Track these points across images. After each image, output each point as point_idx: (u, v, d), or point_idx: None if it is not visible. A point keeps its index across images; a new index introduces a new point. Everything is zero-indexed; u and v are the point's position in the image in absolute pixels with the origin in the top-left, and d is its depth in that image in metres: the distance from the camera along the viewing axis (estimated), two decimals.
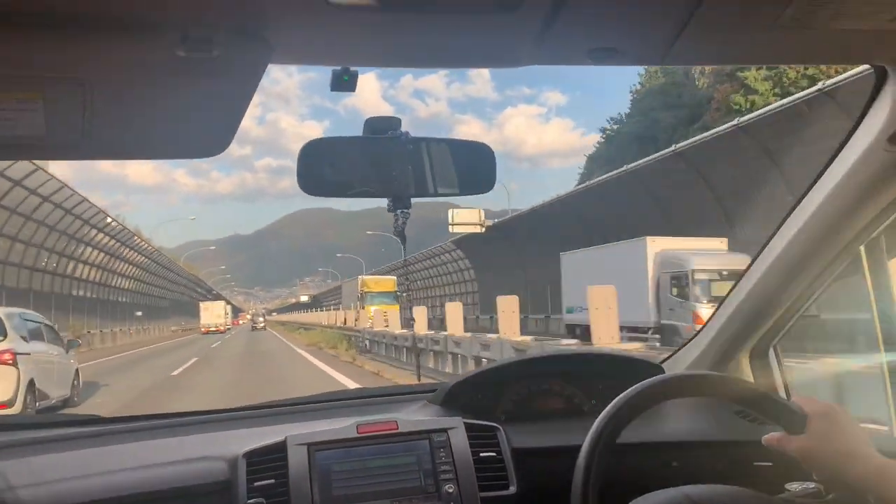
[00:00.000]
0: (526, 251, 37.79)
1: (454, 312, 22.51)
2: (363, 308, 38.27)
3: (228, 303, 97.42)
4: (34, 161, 25.32)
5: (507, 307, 16.89)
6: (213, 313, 71.10)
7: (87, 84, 1.01)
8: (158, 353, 32.43)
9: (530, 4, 0.93)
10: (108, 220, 41.32)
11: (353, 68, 1.14)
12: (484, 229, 30.18)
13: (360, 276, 50.55)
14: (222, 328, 69.69)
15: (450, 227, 28.03)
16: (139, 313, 58.25)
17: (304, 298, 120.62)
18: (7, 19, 0.87)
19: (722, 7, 0.96)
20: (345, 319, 40.51)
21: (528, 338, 15.68)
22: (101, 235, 41.93)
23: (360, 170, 1.44)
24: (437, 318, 33.51)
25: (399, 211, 1.44)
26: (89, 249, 41.77)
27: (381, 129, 1.40)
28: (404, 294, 38.02)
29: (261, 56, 1.00)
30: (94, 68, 0.99)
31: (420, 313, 25.94)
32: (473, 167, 1.49)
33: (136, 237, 51.50)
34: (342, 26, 0.96)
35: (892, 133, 1.35)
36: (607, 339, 13.63)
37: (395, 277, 46.62)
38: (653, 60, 1.13)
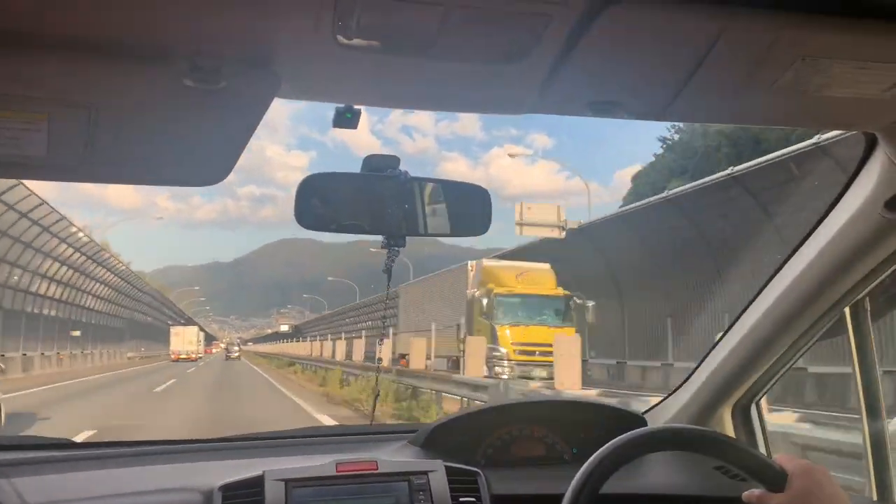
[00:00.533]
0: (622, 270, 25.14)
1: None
2: (476, 333, 20.73)
3: (202, 329, 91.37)
4: None
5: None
6: (184, 339, 66.79)
7: (94, 108, 1.02)
8: (94, 388, 24.01)
9: (536, 56, 0.95)
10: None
11: (356, 106, 1.16)
12: (564, 234, 22.06)
13: (473, 262, 25.27)
14: (194, 356, 65.07)
15: (517, 227, 21.46)
16: (76, 333, 42.92)
17: (283, 328, 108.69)
18: (19, 40, 0.88)
19: (721, 69, 0.99)
20: (342, 352, 35.34)
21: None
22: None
23: (357, 206, 1.45)
24: None
25: (391, 248, 1.44)
26: None
27: (380, 167, 1.41)
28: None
29: (268, 89, 1.01)
30: (101, 93, 0.99)
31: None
32: (469, 209, 1.50)
33: (79, 232, 37.09)
34: (349, 65, 0.97)
35: (888, 199, 1.38)
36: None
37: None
38: (652, 115, 1.15)
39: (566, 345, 14.97)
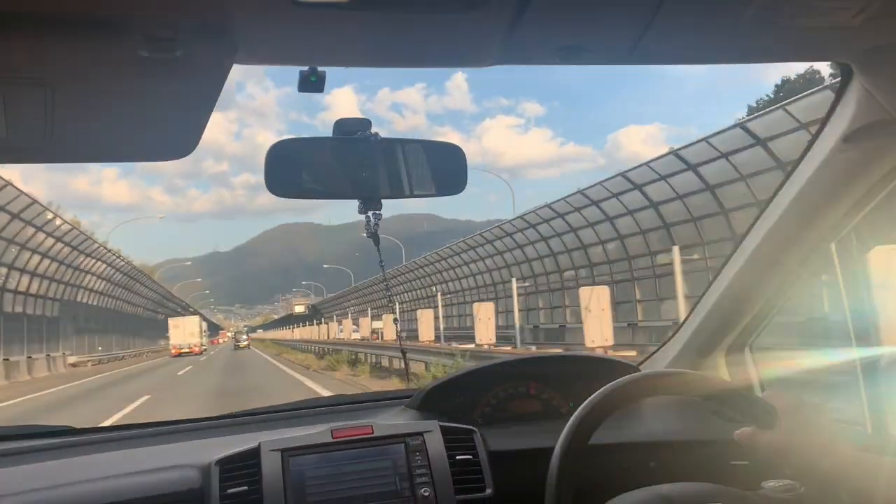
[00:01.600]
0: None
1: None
2: None
3: (204, 319, 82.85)
4: None
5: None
6: (185, 331, 58.06)
7: (50, 85, 1.00)
8: None
9: (497, 3, 0.93)
10: None
11: (320, 69, 1.14)
12: None
13: None
14: (197, 349, 56.60)
15: None
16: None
17: (299, 309, 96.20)
18: None
19: (685, 4, 0.97)
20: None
21: None
22: None
23: (329, 171, 1.43)
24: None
25: (371, 213, 1.43)
26: None
27: (351, 130, 1.39)
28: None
29: (225, 56, 0.99)
30: (56, 69, 0.98)
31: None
32: (444, 168, 1.49)
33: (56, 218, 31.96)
34: (308, 25, 0.95)
35: (848, 133, 1.36)
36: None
37: None
38: (620, 59, 1.13)
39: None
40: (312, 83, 1.14)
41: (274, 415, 2.01)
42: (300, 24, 0.95)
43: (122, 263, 51.89)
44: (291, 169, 1.40)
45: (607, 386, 1.27)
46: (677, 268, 13.45)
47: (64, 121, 1.08)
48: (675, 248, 13.72)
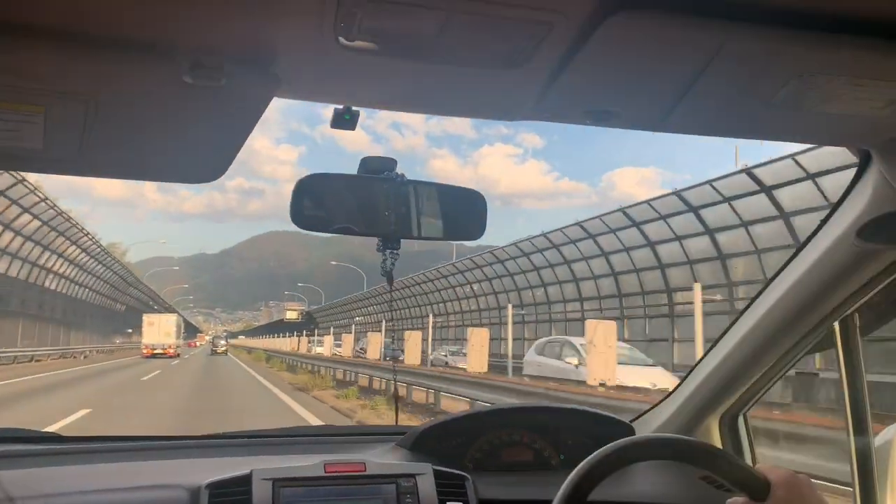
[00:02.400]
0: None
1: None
2: None
3: (182, 318, 74.66)
4: None
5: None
6: (160, 330, 52.38)
7: (91, 101, 1.01)
8: None
9: (536, 63, 0.95)
10: None
11: (354, 108, 1.15)
12: None
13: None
14: (171, 350, 51.50)
15: None
16: None
17: (291, 315, 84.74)
18: (19, 30, 0.87)
19: (718, 83, 0.99)
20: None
21: None
22: None
23: (353, 208, 1.45)
24: None
25: (388, 251, 1.44)
26: None
27: (377, 168, 1.40)
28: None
29: (268, 89, 1.00)
30: (99, 86, 0.98)
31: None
32: (465, 214, 1.50)
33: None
34: (349, 66, 0.97)
35: (860, 226, 1.38)
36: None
37: None
38: (648, 126, 1.15)
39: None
40: (346, 121, 1.16)
41: (264, 440, 1.99)
42: (342, 64, 0.96)
43: (90, 243, 45.64)
44: (317, 203, 1.41)
45: (606, 447, 1.27)
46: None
47: (100, 137, 1.09)
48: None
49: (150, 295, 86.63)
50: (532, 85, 1.01)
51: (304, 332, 56.67)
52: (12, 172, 27.38)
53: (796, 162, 16.29)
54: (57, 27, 0.87)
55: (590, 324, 13.88)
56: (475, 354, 18.61)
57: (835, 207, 1.49)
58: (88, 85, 0.98)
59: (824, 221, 1.51)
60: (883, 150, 1.29)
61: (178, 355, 52.28)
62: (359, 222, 1.44)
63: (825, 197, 15.49)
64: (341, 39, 0.89)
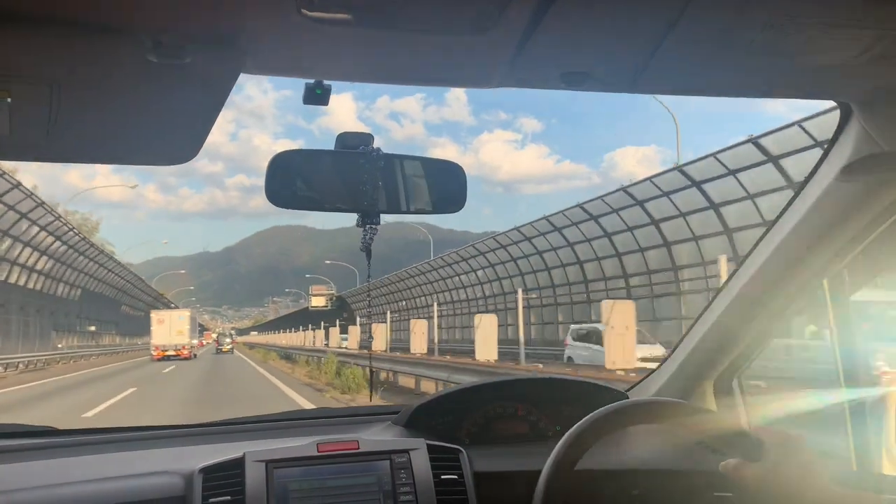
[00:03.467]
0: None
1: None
2: None
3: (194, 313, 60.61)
4: None
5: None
6: (171, 328, 45.10)
7: (56, 85, 1.00)
8: None
9: (504, 27, 0.94)
10: None
11: (326, 82, 1.14)
12: None
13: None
14: (186, 350, 44.57)
15: None
16: None
17: (317, 302, 66.34)
18: None
19: (691, 35, 0.98)
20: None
21: None
22: None
23: (329, 184, 1.44)
24: None
25: (367, 227, 1.43)
26: None
27: (354, 144, 1.39)
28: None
29: (233, 65, 0.99)
30: (64, 69, 0.98)
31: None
32: (444, 186, 1.49)
33: None
34: (316, 39, 0.96)
35: (845, 164, 1.37)
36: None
37: None
38: (622, 87, 1.14)
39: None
40: (317, 96, 1.15)
41: (258, 425, 1.99)
42: (308, 37, 0.95)
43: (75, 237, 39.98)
44: (292, 180, 1.40)
45: (595, 412, 1.27)
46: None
47: (68, 121, 1.08)
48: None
49: (154, 296, 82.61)
50: (503, 49, 1.00)
51: (330, 323, 44.87)
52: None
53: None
54: (18, 11, 0.87)
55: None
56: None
57: (818, 163, 1.48)
58: (53, 68, 0.98)
59: (809, 177, 1.50)
60: (862, 103, 1.28)
61: (194, 356, 45.76)
62: (336, 198, 1.43)
63: None
64: (304, 11, 0.88)
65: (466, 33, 0.96)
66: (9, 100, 1.02)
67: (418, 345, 22.71)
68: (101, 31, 0.90)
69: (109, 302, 58.69)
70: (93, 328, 53.67)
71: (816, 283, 1.62)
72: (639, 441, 1.86)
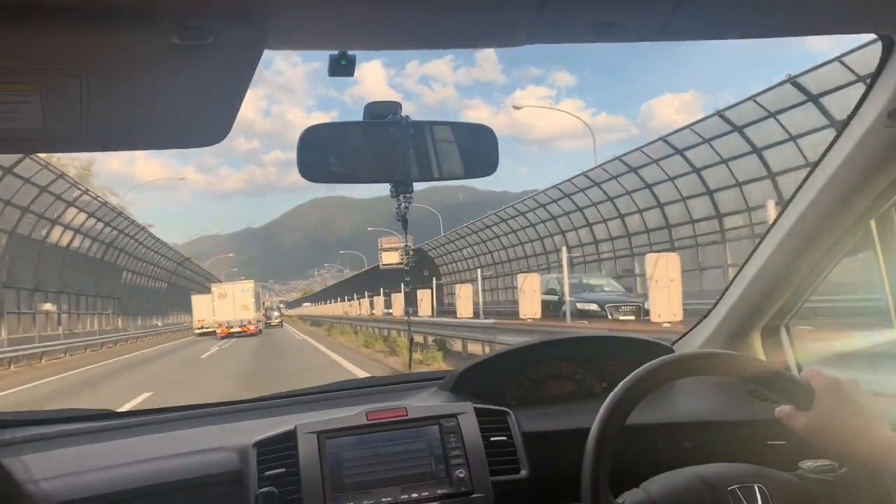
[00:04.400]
0: None
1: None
2: None
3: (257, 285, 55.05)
4: None
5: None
6: (234, 302, 42.75)
7: (84, 75, 1.01)
8: None
9: None
10: None
11: (350, 52, 1.13)
12: None
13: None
14: (252, 326, 42.40)
15: None
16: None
17: (389, 259, 53.48)
18: (5, 12, 0.87)
19: None
20: None
21: None
22: None
23: (360, 155, 1.44)
24: None
25: (401, 196, 1.43)
26: None
27: (382, 113, 1.39)
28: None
29: (256, 42, 0.99)
30: (90, 60, 0.99)
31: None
32: (475, 150, 1.48)
33: None
34: (337, 9, 0.95)
35: (892, 109, 1.32)
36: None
37: None
38: (653, 35, 1.11)
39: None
40: (343, 67, 1.14)
41: (308, 397, 2.03)
42: (329, 7, 0.94)
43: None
44: (323, 154, 1.40)
45: (642, 367, 1.26)
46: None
47: (98, 110, 1.09)
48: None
49: (203, 275, 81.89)
50: (528, 4, 0.98)
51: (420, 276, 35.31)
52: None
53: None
54: (39, 5, 0.88)
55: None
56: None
57: (861, 99, 1.43)
58: (80, 59, 0.99)
59: (852, 114, 1.45)
60: None
61: (260, 332, 43.48)
62: (368, 169, 1.43)
63: None
64: None
65: None
66: (39, 93, 1.03)
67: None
68: (124, 18, 0.91)
69: (164, 289, 58.40)
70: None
71: (864, 224, 1.58)
72: (687, 394, 1.84)
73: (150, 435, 1.79)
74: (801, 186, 1.62)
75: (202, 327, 45.11)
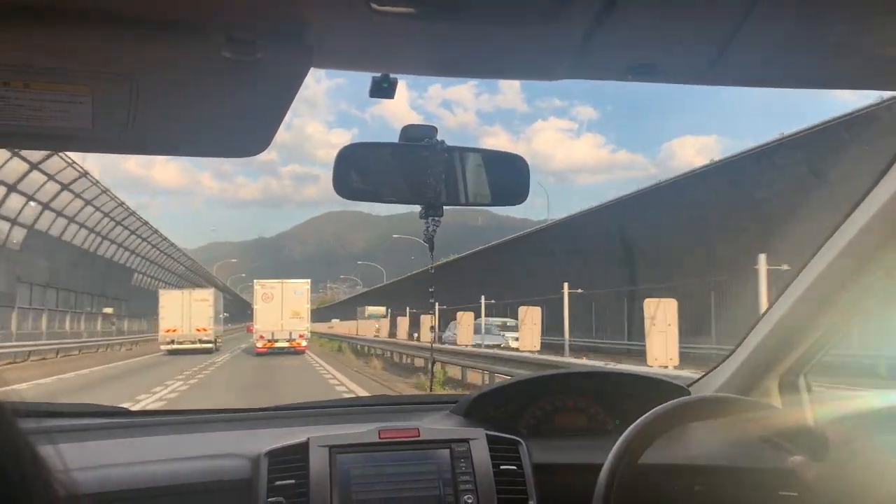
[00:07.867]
0: None
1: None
2: None
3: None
4: None
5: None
6: (283, 307, 31.32)
7: (135, 81, 1.03)
8: None
9: (571, 18, 0.93)
10: None
11: (392, 75, 1.15)
12: None
13: None
14: (304, 342, 31.51)
15: None
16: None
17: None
18: (62, 15, 0.89)
19: (764, 28, 0.96)
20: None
21: None
22: None
23: (394, 176, 1.46)
24: None
25: (430, 218, 1.44)
26: None
27: (418, 136, 1.41)
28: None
29: (303, 59, 1.01)
30: (142, 66, 1.01)
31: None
32: (507, 178, 1.49)
33: None
34: (384, 33, 0.97)
35: None
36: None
37: None
38: (691, 79, 1.12)
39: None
40: (384, 89, 1.16)
41: (321, 410, 2.04)
42: (376, 30, 0.96)
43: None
44: (359, 172, 1.42)
45: (659, 407, 1.26)
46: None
47: (145, 115, 1.12)
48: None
49: (204, 276, 75.50)
50: (569, 41, 0.99)
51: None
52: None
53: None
54: (98, 10, 0.90)
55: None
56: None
57: (891, 161, 1.43)
58: (131, 64, 1.01)
59: (882, 173, 1.45)
60: None
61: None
62: (402, 190, 1.44)
63: None
64: (373, 5, 0.89)
65: (533, 24, 0.96)
66: (91, 95, 1.06)
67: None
68: (177, 28, 0.93)
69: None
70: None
71: (889, 281, 1.57)
72: (701, 437, 1.83)
73: (164, 436, 1.80)
74: (828, 237, 1.62)
75: (173, 340, 32.14)
